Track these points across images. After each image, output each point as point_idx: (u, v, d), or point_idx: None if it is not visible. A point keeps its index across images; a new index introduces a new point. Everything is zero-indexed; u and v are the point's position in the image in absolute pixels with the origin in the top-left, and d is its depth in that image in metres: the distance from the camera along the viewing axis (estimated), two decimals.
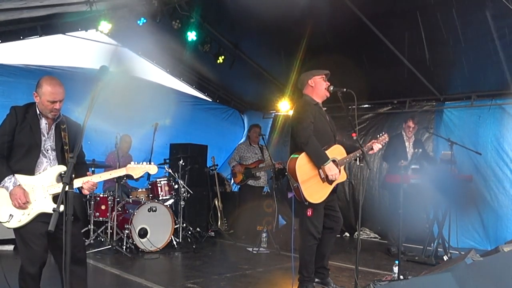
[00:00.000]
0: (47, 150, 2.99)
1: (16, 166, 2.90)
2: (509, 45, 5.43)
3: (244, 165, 7.17)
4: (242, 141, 7.60)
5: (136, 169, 3.10)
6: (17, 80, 6.43)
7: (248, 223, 7.14)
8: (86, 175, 3.00)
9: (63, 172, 2.88)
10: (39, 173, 2.93)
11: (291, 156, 3.91)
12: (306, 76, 4.20)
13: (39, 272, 2.90)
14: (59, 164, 3.00)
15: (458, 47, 5.82)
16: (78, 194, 3.06)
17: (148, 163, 3.18)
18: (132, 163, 3.12)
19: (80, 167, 3.01)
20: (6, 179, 2.83)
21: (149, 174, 6.48)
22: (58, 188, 2.86)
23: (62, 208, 2.38)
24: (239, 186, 7.44)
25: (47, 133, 3.01)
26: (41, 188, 2.89)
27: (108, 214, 5.83)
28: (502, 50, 5.55)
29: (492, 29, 5.28)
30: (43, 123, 3.01)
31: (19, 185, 2.84)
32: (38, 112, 3.00)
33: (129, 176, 6.42)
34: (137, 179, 6.58)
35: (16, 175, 2.88)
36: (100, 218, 5.99)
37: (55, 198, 2.87)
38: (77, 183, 2.91)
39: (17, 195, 2.80)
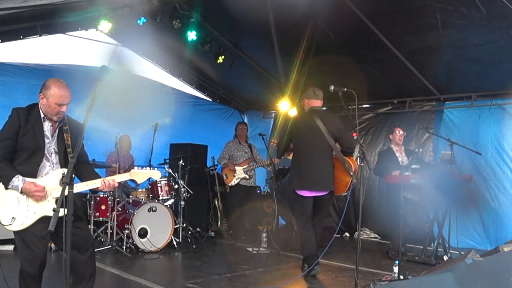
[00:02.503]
0: (51, 154, 2.97)
1: (18, 170, 2.86)
2: (509, 45, 5.43)
3: (235, 164, 7.13)
4: (230, 139, 7.55)
5: (140, 175, 3.10)
6: (17, 80, 6.43)
7: (246, 223, 7.12)
8: (92, 175, 3.01)
9: (63, 173, 2.87)
10: (41, 176, 2.91)
11: (349, 159, 4.72)
12: None
13: (39, 273, 2.89)
14: (61, 167, 2.97)
15: (458, 47, 5.81)
16: (78, 194, 3.06)
17: (151, 167, 3.18)
18: (136, 168, 3.12)
19: (82, 166, 3.03)
20: (14, 179, 2.80)
21: None
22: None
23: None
24: (229, 186, 7.38)
25: (51, 136, 2.98)
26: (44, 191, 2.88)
27: (108, 214, 5.83)
28: (502, 50, 5.55)
29: (492, 29, 5.28)
30: (47, 125, 2.97)
31: (28, 181, 2.82)
32: (42, 114, 2.95)
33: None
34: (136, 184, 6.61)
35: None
36: (100, 218, 5.99)
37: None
38: (95, 183, 2.91)
39: (33, 189, 2.79)
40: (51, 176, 2.91)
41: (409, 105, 7.52)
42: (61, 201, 2.36)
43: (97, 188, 2.94)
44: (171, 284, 4.36)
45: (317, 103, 4.89)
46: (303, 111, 5.06)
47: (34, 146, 2.90)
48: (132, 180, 6.63)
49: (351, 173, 4.59)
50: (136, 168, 3.12)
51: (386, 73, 6.87)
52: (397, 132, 6.04)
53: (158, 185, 6.19)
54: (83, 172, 3.02)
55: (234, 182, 7.13)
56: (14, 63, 6.69)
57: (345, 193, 4.88)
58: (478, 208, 6.55)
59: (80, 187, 2.90)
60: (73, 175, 2.47)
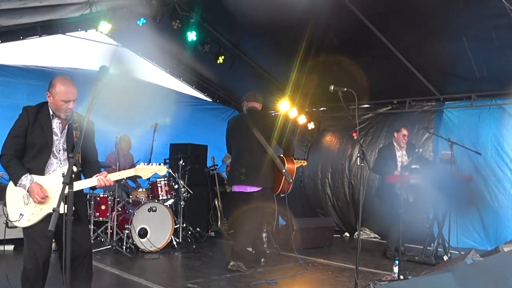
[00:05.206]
0: (59, 151, 2.99)
1: (26, 167, 2.90)
2: (508, 45, 5.43)
3: None
4: None
5: (145, 170, 3.08)
6: (17, 81, 6.43)
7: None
8: (95, 174, 3.00)
9: (63, 173, 2.88)
10: (49, 174, 2.93)
11: (293, 158, 4.85)
12: None
13: (42, 272, 2.90)
14: None
15: (458, 47, 5.81)
16: (81, 194, 3.06)
17: (157, 163, 3.15)
18: (142, 163, 3.13)
19: (88, 165, 3.06)
20: (22, 177, 2.84)
21: None
22: None
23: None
24: None
25: (60, 133, 3.00)
26: (51, 189, 2.89)
27: (108, 214, 5.83)
28: (502, 50, 5.55)
29: (492, 29, 5.29)
30: (56, 123, 3.00)
31: (36, 182, 2.85)
32: (51, 112, 2.99)
33: (132, 178, 6.49)
34: (137, 186, 6.61)
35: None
36: (100, 218, 5.99)
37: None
38: (92, 181, 2.93)
39: (35, 191, 2.82)
40: (58, 173, 2.92)
41: (409, 105, 7.53)
42: (61, 201, 2.36)
43: (95, 186, 2.96)
44: (171, 284, 4.36)
45: (255, 105, 5.15)
46: (242, 113, 5.35)
47: (41, 143, 2.93)
48: (133, 181, 6.69)
49: (283, 170, 4.72)
50: (142, 163, 3.12)
51: (386, 73, 6.87)
52: (402, 132, 5.90)
53: (158, 185, 6.19)
54: (87, 171, 3.03)
55: None
56: (14, 64, 6.70)
57: (283, 194, 4.92)
58: (478, 208, 6.55)
59: (77, 185, 2.88)
60: (73, 175, 2.47)
